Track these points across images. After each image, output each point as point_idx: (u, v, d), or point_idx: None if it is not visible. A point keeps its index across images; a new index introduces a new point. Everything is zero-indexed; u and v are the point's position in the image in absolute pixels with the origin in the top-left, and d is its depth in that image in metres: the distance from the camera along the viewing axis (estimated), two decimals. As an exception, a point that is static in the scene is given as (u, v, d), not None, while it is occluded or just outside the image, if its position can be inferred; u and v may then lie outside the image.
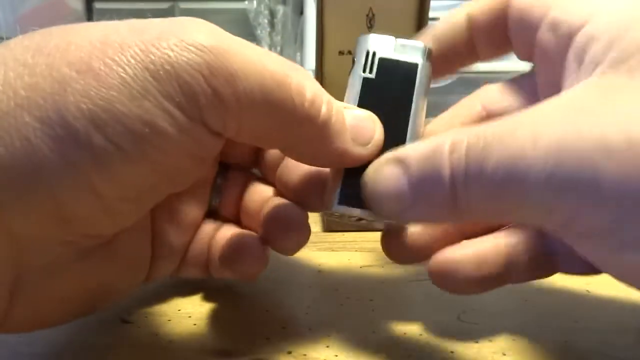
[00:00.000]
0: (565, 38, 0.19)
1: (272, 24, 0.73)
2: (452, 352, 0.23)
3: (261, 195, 0.26)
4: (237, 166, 0.27)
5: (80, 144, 0.16)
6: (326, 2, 0.33)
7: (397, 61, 0.22)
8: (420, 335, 0.24)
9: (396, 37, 0.22)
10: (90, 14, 0.72)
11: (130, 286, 0.24)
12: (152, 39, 0.17)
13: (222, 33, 0.18)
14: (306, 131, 0.19)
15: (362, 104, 0.22)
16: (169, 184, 0.19)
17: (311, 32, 0.57)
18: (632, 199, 0.15)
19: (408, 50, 0.22)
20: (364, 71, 0.22)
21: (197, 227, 0.26)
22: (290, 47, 0.74)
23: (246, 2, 0.72)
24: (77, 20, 0.72)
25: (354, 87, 0.22)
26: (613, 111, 0.16)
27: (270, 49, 0.74)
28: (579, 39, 0.18)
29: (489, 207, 0.18)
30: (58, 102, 0.16)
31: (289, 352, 0.22)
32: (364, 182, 0.20)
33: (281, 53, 0.75)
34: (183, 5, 0.73)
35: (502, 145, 0.17)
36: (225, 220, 0.26)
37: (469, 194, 0.17)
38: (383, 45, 0.22)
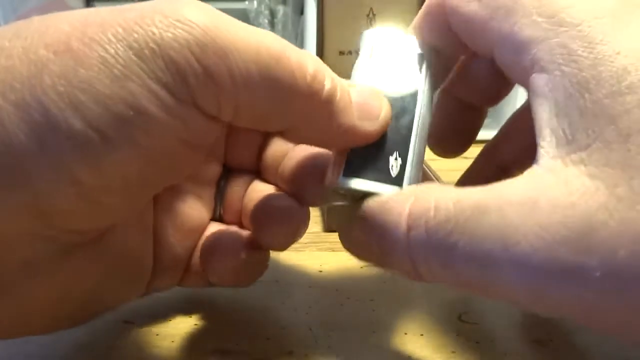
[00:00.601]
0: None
1: (272, 24, 0.73)
2: (453, 351, 0.23)
3: (260, 195, 0.24)
4: (240, 168, 0.26)
5: (59, 129, 0.15)
6: (326, 2, 0.33)
7: (402, 52, 0.21)
8: (421, 335, 0.24)
9: (403, 31, 0.22)
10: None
11: (128, 294, 0.22)
12: (135, 17, 0.16)
13: (213, 10, 0.17)
14: (310, 108, 0.18)
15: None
16: (159, 173, 0.18)
17: (312, 32, 0.57)
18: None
19: (415, 45, 0.21)
20: (368, 60, 0.21)
21: (202, 232, 0.24)
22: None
23: (246, 2, 0.72)
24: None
25: (359, 78, 0.21)
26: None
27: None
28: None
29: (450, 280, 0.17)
30: (35, 86, 0.15)
31: (290, 352, 0.22)
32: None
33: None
34: (183, 5, 0.73)
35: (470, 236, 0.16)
36: (230, 224, 0.25)
37: (429, 266, 0.17)
38: (388, 40, 0.22)
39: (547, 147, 0.16)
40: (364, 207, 0.19)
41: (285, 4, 0.73)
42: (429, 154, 0.23)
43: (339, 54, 0.32)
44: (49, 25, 0.16)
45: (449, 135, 0.26)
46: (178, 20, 0.16)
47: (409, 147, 0.20)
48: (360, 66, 0.21)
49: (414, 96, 0.21)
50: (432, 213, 0.17)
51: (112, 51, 0.15)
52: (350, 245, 0.20)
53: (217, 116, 0.17)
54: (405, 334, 0.24)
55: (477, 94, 0.25)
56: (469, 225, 0.16)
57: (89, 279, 0.20)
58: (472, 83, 0.25)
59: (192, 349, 0.23)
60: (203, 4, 0.17)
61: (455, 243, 0.16)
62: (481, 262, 0.15)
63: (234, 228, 0.25)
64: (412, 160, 0.20)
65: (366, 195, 0.20)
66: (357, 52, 0.22)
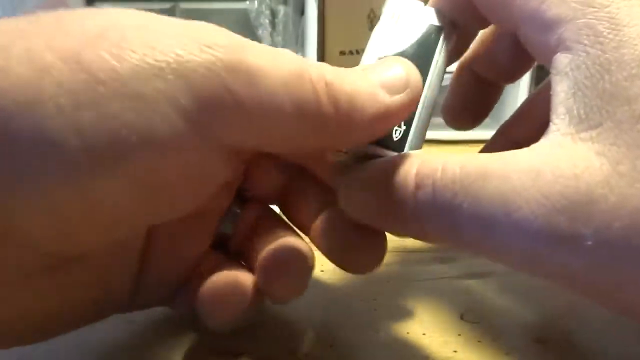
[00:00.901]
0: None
1: (273, 24, 0.73)
2: (455, 351, 0.23)
3: (275, 236, 0.22)
4: (257, 197, 0.23)
5: (50, 145, 0.13)
6: (327, 3, 0.33)
7: (423, 21, 0.22)
8: (423, 334, 0.24)
9: (423, 2, 0.22)
10: (91, 15, 0.72)
11: (97, 315, 0.20)
12: (159, 37, 0.15)
13: (233, 34, 0.16)
14: (336, 126, 0.17)
15: (381, 57, 0.21)
16: (155, 209, 0.16)
17: (312, 32, 0.57)
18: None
19: (434, 16, 0.22)
20: (388, 24, 0.22)
21: (197, 259, 0.22)
22: (292, 47, 0.74)
23: (247, 2, 0.72)
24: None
25: (377, 40, 0.21)
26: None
27: (271, 49, 0.74)
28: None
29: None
30: (32, 93, 0.13)
31: (292, 352, 0.22)
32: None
33: (282, 53, 0.75)
34: (184, 5, 0.73)
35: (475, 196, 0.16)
36: (233, 254, 0.23)
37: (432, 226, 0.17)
38: (409, 8, 0.22)
39: (559, 124, 0.16)
40: (370, 166, 0.19)
41: (286, 4, 0.73)
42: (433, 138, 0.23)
43: (339, 54, 0.32)
44: (58, 27, 0.15)
45: (463, 108, 0.26)
46: (206, 45, 0.15)
47: (414, 114, 0.20)
48: (378, 32, 0.22)
49: (426, 66, 0.21)
50: (439, 174, 0.17)
51: (129, 67, 0.14)
52: (353, 206, 0.20)
53: (238, 147, 0.16)
54: (408, 333, 0.24)
55: (496, 70, 0.25)
56: (474, 187, 0.16)
57: (51, 301, 0.18)
58: (492, 59, 0.25)
59: (194, 348, 0.23)
60: (223, 28, 0.16)
61: (461, 204, 0.16)
62: (484, 224, 0.16)
63: (295, 244, 0.21)
64: (416, 127, 0.20)
65: (367, 157, 0.20)
66: (377, 21, 0.22)
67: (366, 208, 0.19)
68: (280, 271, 0.20)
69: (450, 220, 0.17)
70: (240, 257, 0.23)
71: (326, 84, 0.16)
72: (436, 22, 0.22)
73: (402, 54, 0.21)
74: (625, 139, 0.15)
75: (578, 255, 0.15)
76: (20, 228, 0.14)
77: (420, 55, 0.21)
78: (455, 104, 0.26)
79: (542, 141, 0.16)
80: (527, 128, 0.25)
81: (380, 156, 0.20)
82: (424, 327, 0.24)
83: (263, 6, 0.72)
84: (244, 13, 0.72)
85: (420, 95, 0.20)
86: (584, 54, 0.16)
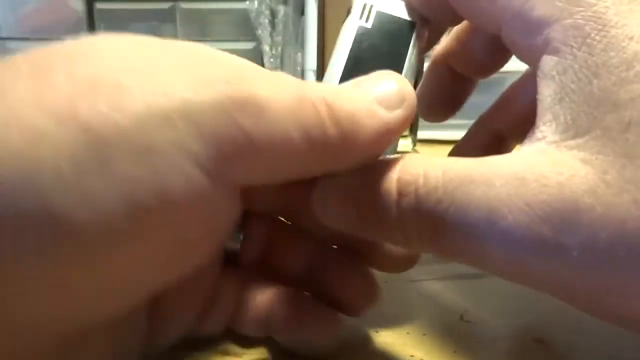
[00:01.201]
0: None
1: (273, 24, 0.73)
2: (454, 351, 0.23)
3: (292, 244, 0.21)
4: (262, 209, 0.22)
5: (56, 222, 0.12)
6: (328, 3, 0.33)
7: (395, 17, 0.21)
8: (424, 334, 0.24)
9: None
10: (91, 15, 0.72)
11: (115, 352, 0.18)
12: (157, 76, 0.13)
13: (232, 58, 0.15)
14: (340, 149, 0.16)
15: (354, 53, 0.21)
16: (170, 268, 0.15)
17: (312, 32, 0.57)
18: None
19: (405, 9, 0.22)
20: (360, 19, 0.21)
21: (212, 286, 0.21)
22: (292, 47, 0.74)
23: (247, 2, 0.72)
24: (78, 21, 0.73)
25: (347, 36, 0.21)
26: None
27: (271, 49, 0.73)
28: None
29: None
30: (27, 164, 0.12)
31: (292, 353, 0.22)
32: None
33: (282, 53, 0.75)
34: (184, 5, 0.73)
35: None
36: (246, 266, 0.22)
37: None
38: (381, 1, 0.21)
39: (546, 130, 0.16)
40: (348, 173, 0.18)
41: (286, 4, 0.73)
42: (433, 138, 0.23)
43: (340, 54, 0.32)
44: (42, 80, 0.13)
45: (437, 101, 0.26)
46: (209, 81, 0.14)
47: None
48: (349, 28, 0.21)
49: (399, 63, 0.21)
50: (421, 181, 0.16)
51: (133, 117, 0.12)
52: (330, 215, 0.19)
53: (249, 184, 0.15)
54: (408, 333, 0.24)
55: (470, 65, 0.25)
56: (457, 194, 0.16)
57: None
58: (466, 54, 0.24)
59: (194, 348, 0.23)
60: (221, 52, 0.15)
61: (445, 211, 0.16)
62: (468, 232, 0.16)
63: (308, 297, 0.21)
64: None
65: None
66: (348, 8, 0.22)
67: (345, 216, 0.18)
68: (370, 295, 0.21)
69: (434, 228, 0.16)
70: (256, 268, 0.22)
71: (327, 106, 0.16)
72: (408, 17, 0.21)
73: (375, 52, 0.21)
74: (612, 147, 0.14)
75: (563, 265, 0.15)
76: (14, 315, 0.12)
77: (393, 53, 0.21)
78: (428, 97, 0.25)
79: (527, 147, 0.16)
80: (507, 119, 0.25)
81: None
82: (424, 327, 0.24)
83: (263, 6, 0.72)
84: (244, 13, 0.72)
85: (416, 108, 0.19)
86: (571, 57, 0.16)
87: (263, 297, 0.20)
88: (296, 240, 0.22)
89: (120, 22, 0.73)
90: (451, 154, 0.27)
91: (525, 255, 0.15)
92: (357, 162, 0.18)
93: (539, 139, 0.16)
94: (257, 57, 0.75)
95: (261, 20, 0.72)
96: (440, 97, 0.26)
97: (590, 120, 0.15)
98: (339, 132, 0.16)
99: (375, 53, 0.21)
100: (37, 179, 0.12)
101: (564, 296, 0.16)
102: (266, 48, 0.73)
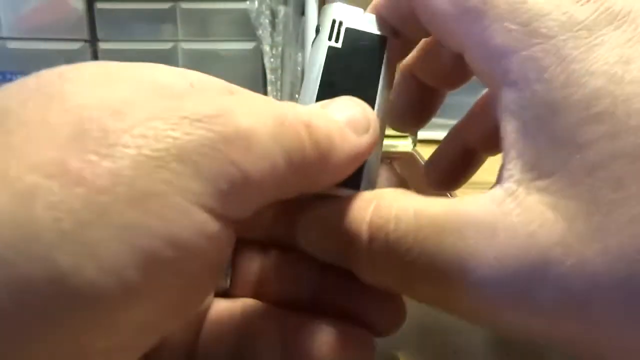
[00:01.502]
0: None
1: (273, 24, 0.73)
2: (454, 352, 0.23)
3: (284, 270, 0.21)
4: (252, 236, 0.22)
5: (62, 284, 0.11)
6: (328, 2, 0.33)
7: (365, 33, 0.21)
8: (424, 335, 0.24)
9: (364, 10, 0.21)
10: (91, 15, 0.72)
11: None
12: (141, 117, 0.13)
13: (205, 82, 0.15)
14: (317, 168, 0.17)
15: (326, 74, 0.20)
16: (178, 314, 0.14)
17: (313, 32, 0.57)
18: None
19: (376, 24, 0.21)
20: (330, 39, 0.20)
21: (205, 313, 0.20)
22: (292, 47, 0.74)
23: (247, 3, 0.72)
24: (78, 21, 0.73)
25: (318, 56, 0.20)
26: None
27: (271, 49, 0.74)
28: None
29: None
30: (24, 227, 0.11)
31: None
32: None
33: (282, 53, 0.75)
34: (184, 5, 0.73)
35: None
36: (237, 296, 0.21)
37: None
38: (350, 16, 0.20)
39: (512, 169, 0.16)
40: (325, 207, 0.18)
41: (286, 5, 0.73)
42: (433, 139, 0.23)
43: (340, 54, 0.32)
44: (22, 136, 0.12)
45: (406, 111, 0.25)
46: (196, 119, 0.13)
47: None
48: (319, 49, 0.20)
49: (375, 82, 0.20)
50: (392, 226, 0.16)
51: (129, 164, 0.12)
52: (311, 246, 0.19)
53: (244, 215, 0.15)
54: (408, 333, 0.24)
55: (437, 78, 0.25)
56: (428, 243, 0.16)
57: None
58: (433, 67, 0.24)
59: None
60: (198, 77, 0.15)
61: (415, 259, 0.16)
62: (439, 281, 0.15)
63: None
64: (371, 160, 0.19)
65: (323, 193, 0.19)
66: (317, 25, 0.21)
67: (325, 250, 0.19)
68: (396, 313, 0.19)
69: (404, 275, 0.16)
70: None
71: (306, 127, 0.16)
72: (379, 32, 0.21)
73: (348, 72, 0.20)
74: (579, 192, 0.14)
75: (537, 316, 0.14)
76: None
77: (367, 72, 0.20)
78: (398, 107, 0.25)
79: (497, 190, 0.16)
80: (477, 132, 0.25)
81: (335, 195, 0.19)
82: (425, 327, 0.24)
83: (263, 6, 0.72)
84: (244, 13, 0.72)
85: (379, 133, 0.19)
86: (530, 92, 0.15)
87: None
88: (294, 267, 0.21)
89: (121, 22, 0.73)
90: (427, 164, 0.27)
91: (498, 306, 0.15)
92: (330, 184, 0.18)
93: (507, 179, 0.16)
94: (257, 57, 0.75)
95: (261, 20, 0.72)
96: (409, 107, 0.26)
97: (555, 161, 0.15)
98: (317, 154, 0.16)
99: (348, 73, 0.20)
100: (38, 240, 0.11)
101: (541, 340, 0.16)
102: (266, 48, 0.73)
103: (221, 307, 0.20)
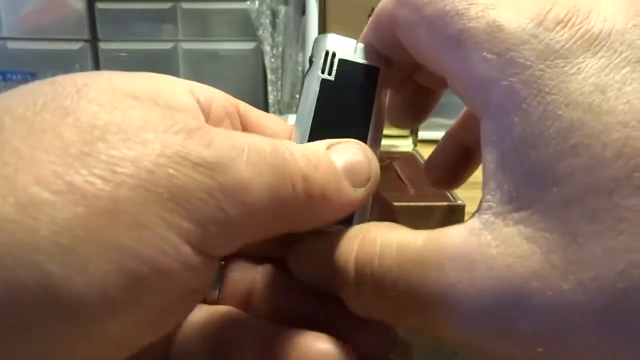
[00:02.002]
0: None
1: (274, 24, 0.73)
2: (455, 352, 0.23)
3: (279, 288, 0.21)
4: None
5: (53, 294, 0.12)
6: (328, 3, 0.33)
7: (358, 64, 0.21)
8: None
9: (357, 40, 0.21)
10: (92, 15, 0.73)
11: None
12: (148, 154, 0.14)
13: (219, 135, 0.15)
14: (310, 211, 0.17)
15: (320, 107, 0.20)
16: (155, 331, 0.15)
17: (313, 32, 0.57)
18: None
19: (369, 54, 0.21)
20: (323, 72, 0.20)
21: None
22: (292, 47, 0.74)
23: (248, 3, 0.72)
24: (79, 20, 0.73)
25: (312, 90, 0.20)
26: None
27: (272, 49, 0.74)
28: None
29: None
30: (24, 237, 0.12)
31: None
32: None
33: (283, 53, 0.75)
34: (185, 5, 0.73)
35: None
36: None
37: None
38: (343, 47, 0.21)
39: (490, 200, 0.16)
40: (315, 243, 0.19)
41: (287, 4, 0.73)
42: (433, 139, 0.23)
43: (340, 54, 0.32)
44: (38, 147, 0.13)
45: (404, 109, 0.25)
46: (199, 164, 0.14)
47: None
48: (312, 82, 0.20)
49: (366, 115, 0.20)
50: (377, 262, 0.17)
51: (128, 193, 0.13)
52: (303, 276, 0.20)
53: (226, 254, 0.16)
54: (409, 333, 0.24)
55: (434, 81, 0.25)
56: (411, 277, 0.16)
57: None
58: (429, 72, 0.24)
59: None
60: (212, 130, 0.15)
61: (400, 294, 0.16)
62: (424, 313, 0.16)
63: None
64: None
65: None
66: (310, 56, 0.21)
67: (313, 281, 0.19)
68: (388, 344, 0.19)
69: (391, 308, 0.17)
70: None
71: (304, 181, 0.16)
72: (371, 63, 0.21)
73: (342, 105, 0.20)
74: (555, 224, 0.14)
75: (518, 345, 0.15)
76: None
77: (360, 105, 0.20)
78: (395, 104, 0.25)
79: (475, 220, 0.16)
80: (471, 133, 0.25)
81: (326, 230, 0.19)
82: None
83: (264, 6, 0.72)
84: (245, 13, 0.73)
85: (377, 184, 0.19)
86: (508, 123, 0.15)
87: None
88: (285, 283, 0.21)
89: (121, 22, 0.73)
90: (426, 164, 0.27)
91: (481, 336, 0.15)
92: (316, 226, 0.18)
93: (486, 210, 0.16)
94: (257, 57, 0.75)
95: (262, 20, 0.72)
96: (407, 105, 0.25)
97: (532, 194, 0.15)
98: (309, 205, 0.17)
99: (341, 105, 0.20)
100: (36, 250, 0.12)
101: None
102: (267, 48, 0.74)
103: (201, 313, 0.20)
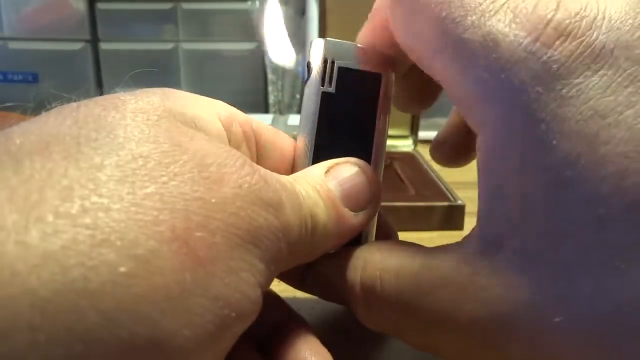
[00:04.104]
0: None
1: (274, 25, 0.73)
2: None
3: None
4: None
5: (162, 347, 0.12)
6: (328, 3, 0.33)
7: (359, 72, 0.20)
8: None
9: (355, 43, 0.20)
10: (92, 15, 0.73)
11: None
12: (230, 197, 0.14)
13: (273, 179, 0.16)
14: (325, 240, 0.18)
15: (322, 122, 0.19)
16: None
17: (313, 33, 0.57)
18: None
19: (369, 56, 0.20)
20: (323, 84, 0.19)
21: None
22: (293, 47, 0.74)
23: (249, 3, 0.72)
24: (80, 21, 0.73)
25: (312, 102, 0.19)
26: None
27: (272, 49, 0.74)
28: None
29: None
30: (140, 288, 0.12)
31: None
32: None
33: (283, 53, 0.75)
34: (185, 5, 0.73)
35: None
36: None
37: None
38: (342, 53, 0.19)
39: (484, 225, 0.16)
40: (325, 266, 0.19)
41: (287, 5, 0.73)
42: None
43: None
44: (136, 195, 0.12)
45: (410, 96, 0.24)
46: (268, 204, 0.15)
47: None
48: (312, 95, 0.19)
49: (370, 126, 0.20)
50: (379, 287, 0.17)
51: (223, 240, 0.13)
52: (318, 292, 0.21)
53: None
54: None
55: None
56: (410, 304, 0.17)
57: None
58: None
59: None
60: (260, 167, 0.16)
61: (401, 316, 0.17)
62: (423, 333, 0.17)
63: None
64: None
65: None
66: (307, 61, 0.20)
67: (328, 299, 0.20)
68: None
69: (395, 326, 0.18)
70: None
71: (311, 218, 0.17)
72: (373, 67, 0.20)
73: (344, 118, 0.19)
74: (547, 258, 0.14)
75: None
76: None
77: (362, 114, 0.20)
78: (401, 90, 0.24)
79: (468, 248, 0.16)
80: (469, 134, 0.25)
81: (335, 251, 0.19)
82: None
83: (264, 6, 0.72)
84: (245, 13, 0.73)
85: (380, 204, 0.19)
86: (502, 151, 0.15)
87: None
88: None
89: (122, 23, 0.73)
90: (433, 144, 0.26)
91: (474, 356, 0.16)
92: (315, 257, 0.19)
93: (478, 238, 0.16)
94: (258, 57, 0.75)
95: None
96: (412, 91, 0.25)
97: (525, 226, 0.14)
98: (312, 239, 0.17)
99: (344, 118, 0.20)
100: (148, 303, 0.12)
101: None
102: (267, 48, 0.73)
103: None
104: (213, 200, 0.13)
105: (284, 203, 0.15)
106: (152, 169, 0.13)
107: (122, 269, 0.11)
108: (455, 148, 0.25)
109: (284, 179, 0.17)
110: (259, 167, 0.16)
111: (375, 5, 0.19)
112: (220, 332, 0.13)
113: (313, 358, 0.17)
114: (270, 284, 0.16)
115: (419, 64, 0.18)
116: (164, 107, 0.15)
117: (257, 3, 0.72)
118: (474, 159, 0.25)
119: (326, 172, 0.19)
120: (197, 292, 0.12)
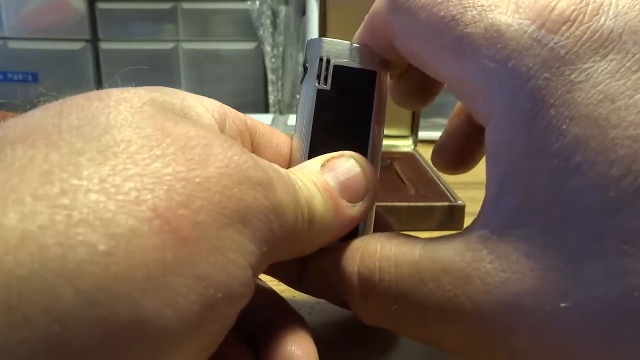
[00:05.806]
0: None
1: (274, 25, 0.74)
2: (454, 352, 0.23)
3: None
4: None
5: (141, 325, 0.12)
6: (329, 3, 0.33)
7: (354, 69, 0.20)
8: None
9: (351, 42, 0.20)
10: (92, 15, 0.73)
11: None
12: (214, 176, 0.13)
13: (261, 164, 0.15)
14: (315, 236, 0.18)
15: (317, 118, 0.20)
16: (205, 357, 0.15)
17: (314, 32, 0.57)
18: None
19: (365, 55, 0.20)
20: (319, 82, 0.20)
21: None
22: (293, 47, 0.74)
23: (249, 3, 0.72)
24: (80, 21, 0.73)
25: (308, 100, 0.20)
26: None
27: (272, 49, 0.74)
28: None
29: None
30: (117, 271, 0.11)
31: (292, 352, 0.22)
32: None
33: (283, 53, 0.75)
34: (185, 5, 0.73)
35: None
36: None
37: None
38: (337, 51, 0.20)
39: (490, 214, 0.15)
40: (321, 259, 0.19)
41: (287, 5, 0.73)
42: (434, 139, 0.23)
43: (341, 54, 0.32)
44: (110, 174, 0.12)
45: (410, 93, 0.25)
46: (257, 183, 0.14)
47: None
48: (308, 93, 0.20)
49: (366, 123, 0.20)
50: (377, 278, 0.17)
51: (208, 221, 0.13)
52: (312, 290, 0.20)
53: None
54: (407, 334, 0.24)
55: None
56: (409, 293, 0.16)
57: None
58: None
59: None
60: (253, 157, 0.15)
61: (400, 306, 0.16)
62: (423, 324, 0.16)
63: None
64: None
65: None
66: (304, 61, 0.20)
67: (324, 295, 0.20)
68: None
69: (394, 319, 0.17)
70: None
71: (308, 209, 0.17)
72: (368, 67, 0.20)
73: (340, 115, 0.20)
74: (555, 244, 0.14)
75: (515, 356, 0.15)
76: None
77: (357, 112, 0.20)
78: (401, 87, 0.24)
79: (473, 234, 0.16)
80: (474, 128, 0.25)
81: (332, 245, 0.19)
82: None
83: (264, 6, 0.72)
84: (245, 13, 0.73)
85: (377, 195, 0.19)
86: (510, 137, 0.14)
87: None
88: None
89: (122, 22, 0.73)
90: (435, 151, 0.26)
91: (479, 347, 0.15)
92: (315, 249, 0.18)
93: (483, 224, 0.15)
94: (258, 57, 0.75)
95: (262, 20, 0.72)
96: (412, 89, 0.25)
97: (533, 212, 0.14)
98: (310, 230, 0.17)
99: (340, 115, 0.20)
100: (129, 282, 0.11)
101: None
102: (267, 48, 0.74)
103: None
104: (197, 180, 0.13)
105: (274, 184, 0.15)
106: (134, 152, 0.13)
107: (101, 247, 0.11)
108: (456, 152, 0.25)
109: (278, 166, 0.16)
110: (248, 151, 0.15)
111: (372, 8, 0.19)
112: (207, 313, 0.13)
113: (299, 352, 0.17)
114: (264, 267, 0.15)
115: (420, 67, 0.18)
116: (150, 96, 0.15)
117: (257, 3, 0.72)
118: (476, 164, 0.25)
119: (322, 165, 0.19)
120: (180, 272, 0.12)
